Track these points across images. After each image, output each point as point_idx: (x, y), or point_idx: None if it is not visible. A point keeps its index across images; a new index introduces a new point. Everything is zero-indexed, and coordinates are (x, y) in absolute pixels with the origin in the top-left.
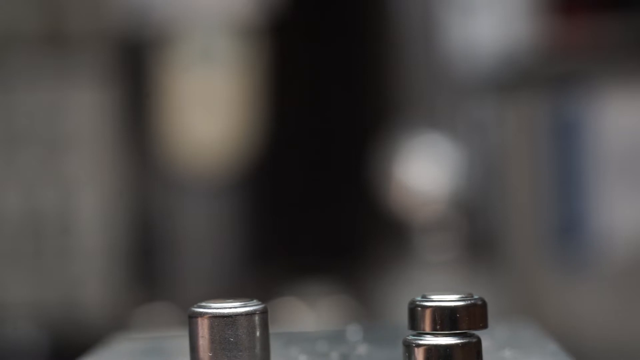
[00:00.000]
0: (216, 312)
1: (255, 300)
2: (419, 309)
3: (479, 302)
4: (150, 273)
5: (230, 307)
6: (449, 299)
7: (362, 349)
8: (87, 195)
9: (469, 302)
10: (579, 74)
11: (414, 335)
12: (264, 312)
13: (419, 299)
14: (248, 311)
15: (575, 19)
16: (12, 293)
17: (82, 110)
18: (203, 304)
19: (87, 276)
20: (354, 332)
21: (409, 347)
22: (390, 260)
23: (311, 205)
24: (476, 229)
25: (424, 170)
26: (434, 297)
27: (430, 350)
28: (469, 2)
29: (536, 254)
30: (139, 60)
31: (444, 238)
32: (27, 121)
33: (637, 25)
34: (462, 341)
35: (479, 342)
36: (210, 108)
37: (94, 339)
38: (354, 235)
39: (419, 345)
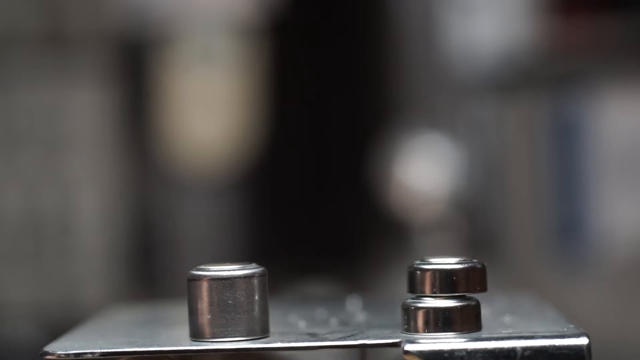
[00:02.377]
0: (215, 275)
1: (254, 264)
2: (418, 272)
3: (478, 266)
4: (150, 273)
5: (229, 270)
6: (448, 262)
7: (361, 316)
8: (87, 195)
9: (468, 265)
10: (579, 74)
11: (412, 299)
12: (262, 275)
13: (418, 262)
14: (247, 274)
15: (575, 19)
16: (12, 293)
17: (82, 110)
18: (202, 267)
19: (87, 276)
20: (353, 301)
21: (407, 310)
22: (390, 260)
23: (311, 205)
24: (476, 229)
25: (424, 170)
26: (433, 260)
27: (429, 312)
28: (469, 2)
29: (536, 254)
30: (139, 60)
31: (444, 238)
32: (27, 121)
33: (637, 25)
34: (461, 304)
35: (478, 306)
36: (210, 108)
37: None
38: (354, 235)
39: (417, 308)
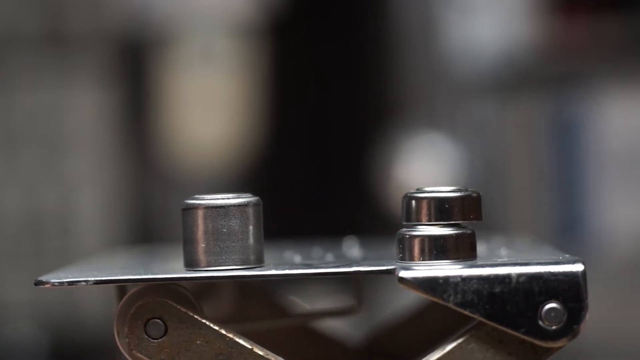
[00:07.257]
0: (209, 203)
1: (249, 194)
2: (413, 200)
3: (474, 195)
4: None
5: (223, 199)
6: (443, 190)
7: (357, 252)
8: (87, 195)
9: (462, 193)
10: (579, 74)
11: (407, 228)
12: (257, 205)
13: (413, 191)
14: (241, 202)
15: (575, 19)
16: (12, 293)
17: (82, 110)
18: (196, 196)
19: None
20: (349, 241)
21: (402, 240)
22: None
23: (311, 205)
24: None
25: (424, 170)
26: (428, 189)
27: (424, 240)
28: (469, 2)
29: None
30: (139, 60)
31: None
32: (27, 121)
33: (637, 25)
34: (456, 232)
35: (473, 235)
36: (210, 108)
37: (94, 339)
38: (354, 235)
39: (412, 237)
